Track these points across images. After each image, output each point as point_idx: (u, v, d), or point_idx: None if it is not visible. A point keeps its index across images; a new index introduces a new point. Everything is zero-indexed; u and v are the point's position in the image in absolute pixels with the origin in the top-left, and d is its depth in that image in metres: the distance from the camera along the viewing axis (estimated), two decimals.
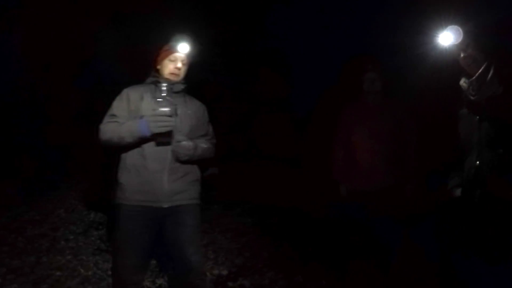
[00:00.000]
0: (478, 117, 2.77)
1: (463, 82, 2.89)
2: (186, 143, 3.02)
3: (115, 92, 3.14)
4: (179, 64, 3.14)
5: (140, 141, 2.98)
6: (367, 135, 3.98)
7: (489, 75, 2.70)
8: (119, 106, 3.09)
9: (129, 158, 3.05)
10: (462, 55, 2.87)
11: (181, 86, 3.18)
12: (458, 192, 2.90)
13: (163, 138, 2.95)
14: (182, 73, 3.18)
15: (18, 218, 5.03)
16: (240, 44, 7.77)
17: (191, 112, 3.17)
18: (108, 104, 3.13)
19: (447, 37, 2.84)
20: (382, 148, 3.93)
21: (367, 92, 4.06)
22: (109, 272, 4.12)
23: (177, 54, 3.15)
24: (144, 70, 3.32)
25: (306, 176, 6.69)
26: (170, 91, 3.02)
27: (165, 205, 3.01)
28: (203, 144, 3.19)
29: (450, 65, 2.97)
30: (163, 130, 2.90)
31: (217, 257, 4.73)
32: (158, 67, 3.20)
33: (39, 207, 5.33)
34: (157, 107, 2.90)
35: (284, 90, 8.18)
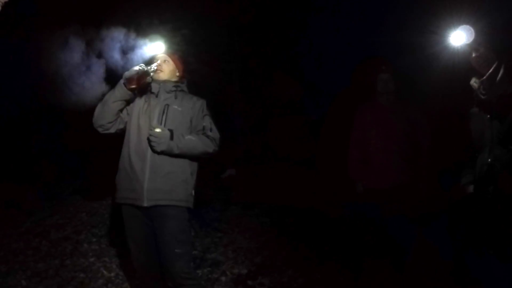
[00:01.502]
0: (489, 115, 2.82)
1: (473, 82, 2.92)
2: (160, 131, 2.98)
3: None
4: (159, 61, 3.27)
5: (122, 100, 3.10)
6: (381, 135, 4.04)
7: (500, 74, 2.74)
8: None
9: (121, 159, 3.16)
10: (474, 54, 2.91)
11: (171, 86, 3.25)
12: (471, 188, 2.94)
13: (136, 81, 3.06)
14: (164, 69, 3.28)
15: (42, 222, 5.11)
16: (254, 48, 7.81)
17: (182, 109, 3.18)
18: None
19: (459, 37, 2.89)
20: (396, 148, 3.99)
21: (381, 93, 4.12)
22: (132, 274, 4.24)
23: (157, 55, 3.32)
24: None
25: (321, 177, 6.72)
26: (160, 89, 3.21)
27: (146, 204, 2.97)
28: (191, 136, 3.08)
29: (461, 65, 3.01)
30: (131, 72, 3.02)
31: (236, 257, 4.80)
32: None
33: (62, 211, 5.41)
34: None
35: (297, 92, 8.21)
